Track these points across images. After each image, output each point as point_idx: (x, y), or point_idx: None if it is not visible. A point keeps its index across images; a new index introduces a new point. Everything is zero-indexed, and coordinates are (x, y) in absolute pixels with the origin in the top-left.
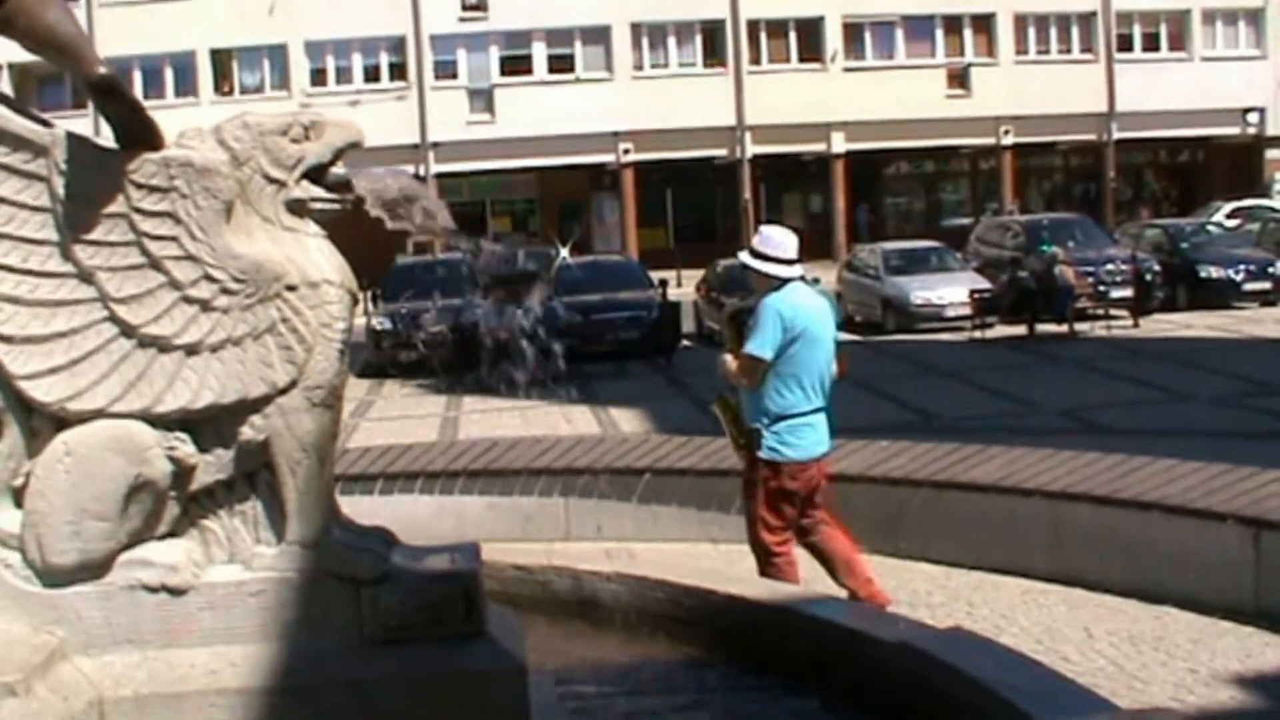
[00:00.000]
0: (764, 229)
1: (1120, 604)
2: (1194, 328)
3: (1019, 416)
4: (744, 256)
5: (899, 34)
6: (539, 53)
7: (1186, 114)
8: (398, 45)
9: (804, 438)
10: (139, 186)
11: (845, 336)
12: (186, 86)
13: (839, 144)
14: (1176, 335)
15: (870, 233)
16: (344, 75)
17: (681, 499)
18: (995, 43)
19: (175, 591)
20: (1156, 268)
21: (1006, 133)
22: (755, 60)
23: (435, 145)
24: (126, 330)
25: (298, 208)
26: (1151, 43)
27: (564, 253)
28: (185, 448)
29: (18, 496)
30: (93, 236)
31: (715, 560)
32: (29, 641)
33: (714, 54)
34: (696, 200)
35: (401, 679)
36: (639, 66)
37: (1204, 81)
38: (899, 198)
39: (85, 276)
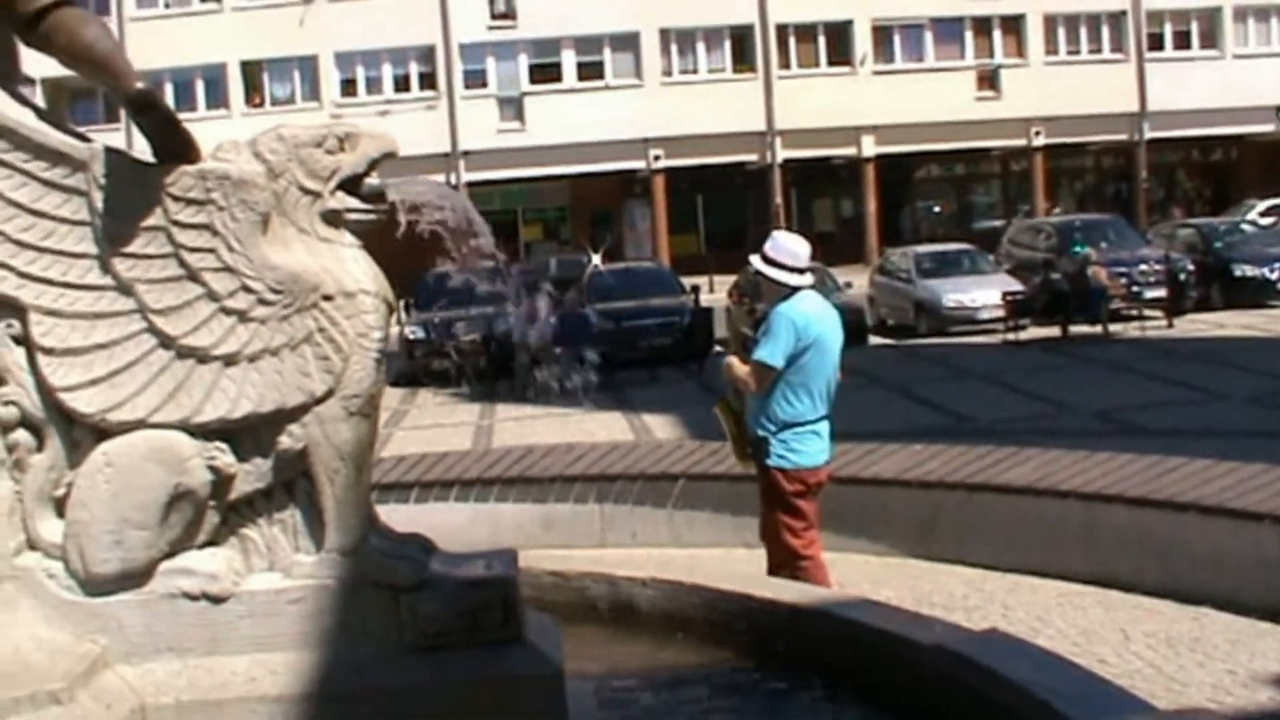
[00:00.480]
0: (777, 235)
1: (1157, 605)
2: (1228, 327)
3: (1053, 418)
4: (756, 262)
5: (928, 36)
6: (568, 60)
7: (1219, 112)
8: (427, 55)
9: (810, 445)
10: (176, 199)
11: (877, 340)
12: (218, 99)
13: (869, 148)
14: (1211, 335)
15: (914, 234)
16: (374, 85)
17: (715, 504)
18: (1025, 44)
19: (216, 599)
20: (1190, 267)
21: (1037, 134)
22: (784, 65)
23: (466, 154)
24: (165, 341)
25: (333, 218)
26: (1182, 41)
27: (596, 260)
28: (224, 457)
29: (60, 507)
30: (131, 249)
31: (750, 565)
32: (72, 650)
33: (743, 59)
34: (727, 206)
35: (440, 685)
36: (668, 72)
37: (1236, 79)
38: (929, 201)
39: (124, 289)
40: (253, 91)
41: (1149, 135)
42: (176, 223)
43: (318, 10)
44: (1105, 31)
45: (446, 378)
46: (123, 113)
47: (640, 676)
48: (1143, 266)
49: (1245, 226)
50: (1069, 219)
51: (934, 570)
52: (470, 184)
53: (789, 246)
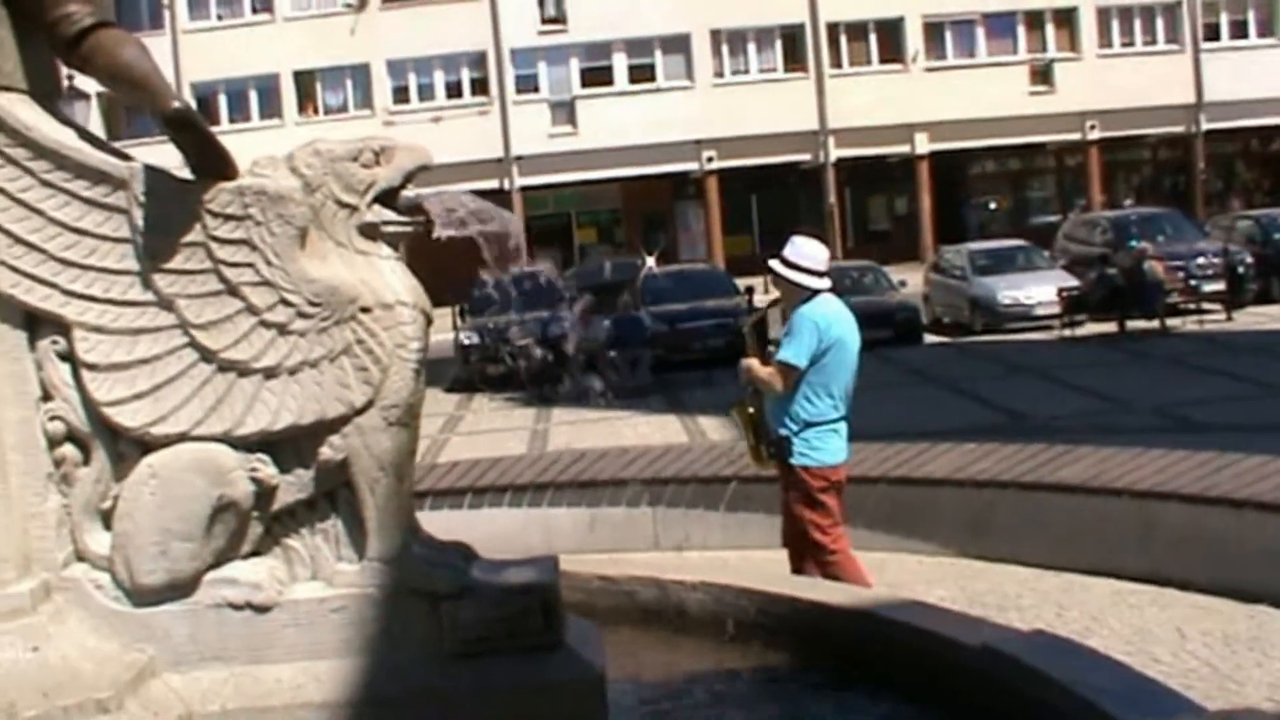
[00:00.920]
0: (796, 239)
1: (1213, 604)
2: None
3: (1110, 415)
4: (776, 266)
5: (980, 32)
6: (619, 63)
7: (1278, 101)
8: (478, 61)
9: (831, 443)
10: (215, 215)
11: (932, 339)
12: (271, 109)
13: (923, 145)
14: (1271, 328)
15: (980, 230)
16: (426, 92)
17: (769, 506)
18: (1078, 37)
19: (260, 609)
20: (1249, 260)
21: (1092, 128)
22: (836, 63)
23: (518, 159)
24: (206, 355)
25: (370, 231)
26: (1239, 30)
27: (650, 262)
28: (266, 469)
29: (107, 519)
30: (172, 265)
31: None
32: (120, 659)
33: (794, 58)
34: (781, 206)
35: (481, 691)
36: (719, 74)
37: None
38: (984, 197)
39: (165, 304)
40: (306, 101)
41: (1206, 126)
42: (215, 238)
43: (369, 19)
44: (1160, 22)
45: (501, 382)
46: None
47: (684, 680)
48: (1200, 260)
49: None
50: (1125, 213)
51: (987, 570)
52: (523, 189)
53: (808, 250)
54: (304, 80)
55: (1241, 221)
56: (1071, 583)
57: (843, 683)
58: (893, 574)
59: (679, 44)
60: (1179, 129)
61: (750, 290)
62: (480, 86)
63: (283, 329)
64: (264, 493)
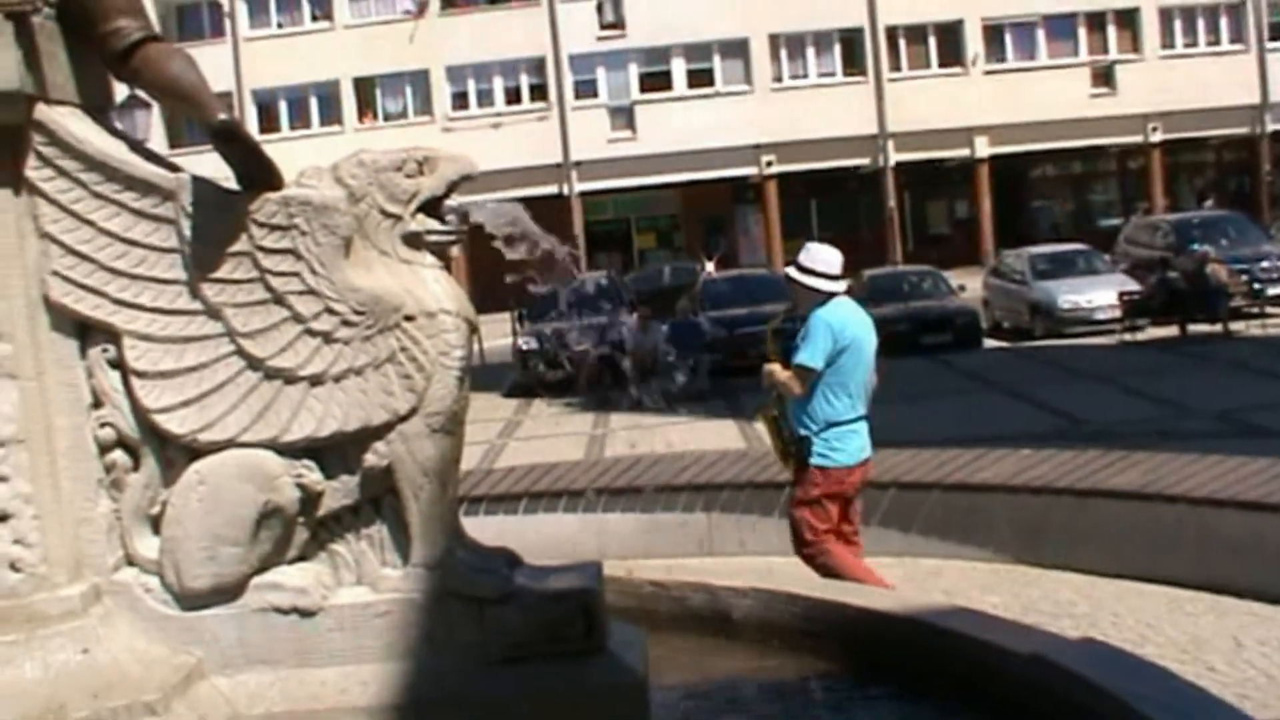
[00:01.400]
0: (811, 246)
1: (1271, 612)
2: None
3: (1172, 420)
4: (792, 272)
5: (1040, 34)
6: (678, 68)
7: None
8: (537, 66)
9: (850, 443)
10: (261, 225)
11: (991, 343)
12: (331, 115)
13: (982, 148)
14: None
15: (1054, 231)
16: (485, 98)
17: None
18: (1140, 38)
19: (306, 613)
20: None
21: (1154, 130)
22: (895, 67)
23: (577, 164)
24: (253, 363)
25: (414, 240)
26: None
27: (709, 267)
28: (312, 475)
29: (156, 524)
30: (218, 274)
31: None
32: (168, 662)
33: (853, 62)
34: (840, 210)
35: (524, 696)
36: (778, 78)
37: None
38: (1045, 200)
39: (213, 313)
40: (365, 107)
41: (1271, 127)
42: (261, 248)
43: (429, 25)
44: (1223, 22)
45: (560, 388)
46: None
47: (731, 686)
48: (1265, 263)
49: None
50: (1187, 216)
51: (1042, 576)
52: (582, 194)
53: (823, 255)
54: (364, 87)
55: None
56: (1126, 590)
57: (889, 689)
58: (947, 580)
59: (737, 48)
60: (1243, 130)
61: None
62: (539, 92)
63: (328, 337)
64: (310, 498)
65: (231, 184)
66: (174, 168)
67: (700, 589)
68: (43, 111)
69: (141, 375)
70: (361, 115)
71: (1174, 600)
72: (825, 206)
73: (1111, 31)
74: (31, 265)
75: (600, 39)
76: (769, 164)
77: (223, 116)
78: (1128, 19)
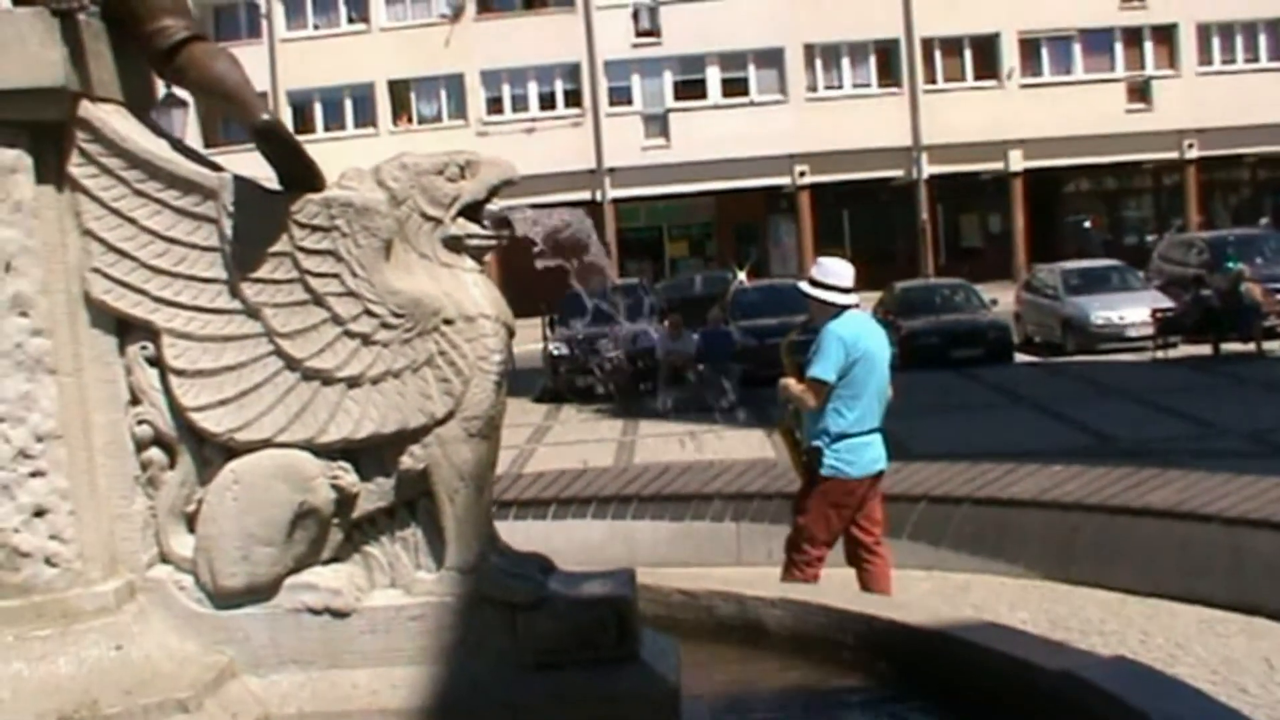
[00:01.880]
0: (822, 260)
1: None
2: None
3: (1203, 439)
4: (804, 286)
5: (1076, 48)
6: (713, 76)
7: None
8: (572, 72)
9: (862, 455)
10: (302, 226)
11: (1022, 358)
12: (366, 117)
13: (1017, 162)
14: None
15: (1106, 249)
16: (520, 103)
17: None
18: (1177, 54)
19: (339, 614)
20: None
21: (1190, 146)
22: (930, 79)
23: (611, 171)
24: (291, 364)
25: (454, 244)
26: None
27: (740, 276)
28: (348, 476)
29: (191, 522)
30: (259, 274)
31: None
32: (200, 660)
33: (888, 74)
34: (873, 222)
35: (555, 702)
36: (813, 88)
37: None
38: (1079, 215)
39: (252, 312)
40: (400, 110)
41: None
42: (302, 249)
43: (464, 29)
44: (1262, 39)
45: (590, 394)
46: None
47: (759, 696)
48: None
49: None
50: (1222, 234)
51: (1071, 593)
52: (615, 201)
53: (834, 269)
54: (399, 90)
55: None
56: (1157, 609)
57: (917, 702)
58: (976, 595)
59: (773, 58)
60: None
61: None
62: (573, 98)
63: (366, 339)
64: (345, 500)
65: (272, 184)
66: (216, 167)
67: (730, 598)
68: (87, 109)
69: (180, 373)
70: (396, 118)
71: (1205, 620)
72: (858, 217)
73: (1149, 47)
74: (73, 262)
75: (635, 46)
76: (802, 174)
77: (266, 116)
78: (1165, 34)
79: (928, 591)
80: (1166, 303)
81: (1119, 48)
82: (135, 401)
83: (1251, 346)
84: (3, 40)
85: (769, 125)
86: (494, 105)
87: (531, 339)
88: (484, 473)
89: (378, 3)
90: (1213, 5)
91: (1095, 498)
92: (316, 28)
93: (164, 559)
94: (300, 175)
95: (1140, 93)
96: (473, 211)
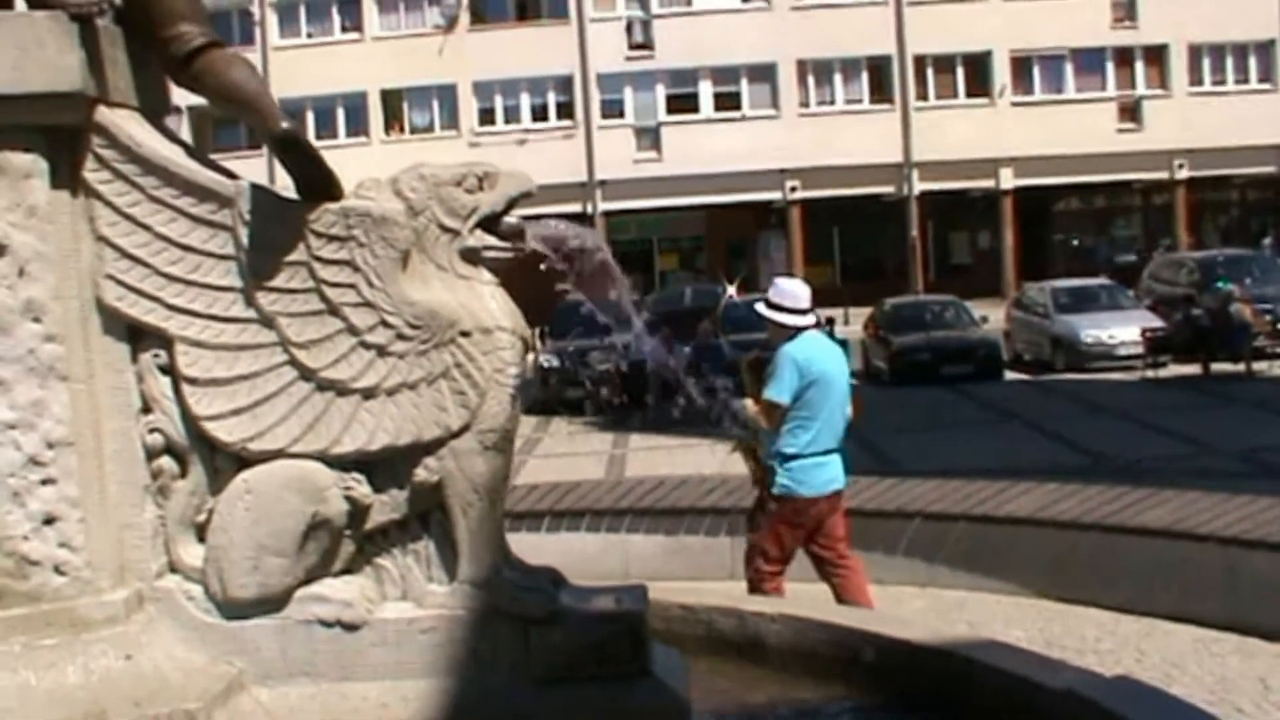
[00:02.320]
0: (779, 281)
1: None
2: None
3: (1193, 458)
4: (760, 307)
5: (1068, 67)
6: (705, 91)
7: None
8: (565, 84)
9: (816, 476)
10: (319, 235)
11: (1013, 375)
12: (358, 126)
13: (1007, 180)
14: None
15: (1110, 265)
16: (512, 115)
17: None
18: (1168, 74)
19: (350, 626)
20: None
21: (1180, 166)
22: (922, 96)
23: (602, 183)
24: (306, 374)
25: (472, 256)
26: None
27: (730, 290)
28: (361, 488)
29: (201, 532)
30: (274, 283)
31: (881, 602)
32: (209, 671)
33: (880, 90)
34: (864, 238)
35: (567, 716)
36: (805, 104)
37: None
38: (1069, 234)
39: (266, 322)
40: (392, 120)
41: None
42: (318, 258)
43: (458, 39)
44: (1252, 61)
45: (580, 406)
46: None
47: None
48: None
49: None
50: (1211, 254)
51: (1066, 612)
52: (606, 213)
53: (790, 290)
54: (391, 99)
55: None
56: (1152, 628)
57: (918, 719)
58: (971, 613)
59: (765, 73)
60: (1270, 169)
61: (830, 321)
62: (566, 110)
63: (382, 350)
64: (358, 512)
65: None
66: (231, 174)
67: (730, 613)
68: (103, 114)
69: (193, 382)
70: (389, 127)
71: (1200, 640)
72: (848, 233)
73: (1140, 67)
74: (86, 268)
75: (629, 59)
76: (793, 189)
77: (285, 125)
78: (1157, 55)
79: (922, 609)
80: (1156, 322)
81: (1110, 67)
82: (147, 409)
83: (1241, 366)
84: (21, 44)
85: (761, 140)
86: (486, 116)
87: None
88: (498, 485)
89: (371, 11)
90: (1204, 26)
91: (1090, 516)
92: (310, 36)
93: (173, 569)
94: (319, 184)
95: (1131, 112)
96: (490, 223)
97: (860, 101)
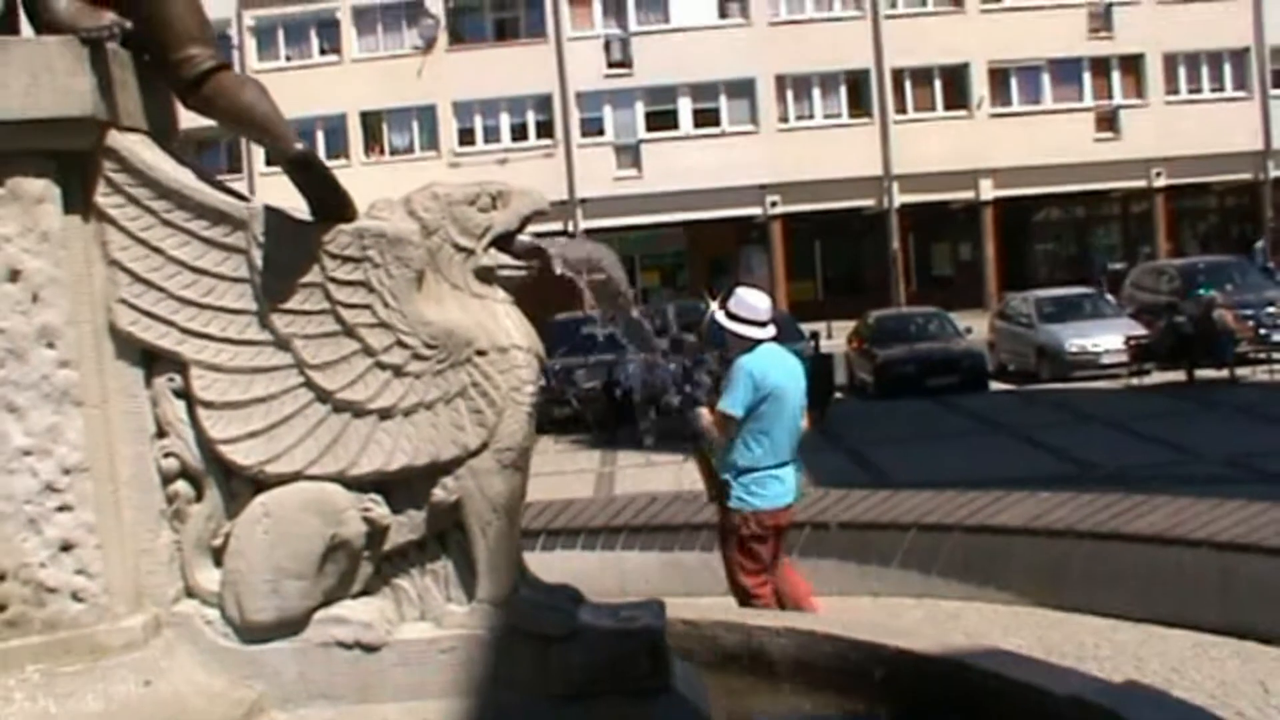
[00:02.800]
0: (739, 291)
1: None
2: None
3: (1180, 465)
4: (720, 318)
5: (1045, 78)
6: (684, 107)
7: None
8: (544, 103)
9: (769, 489)
10: (333, 256)
11: (998, 386)
12: (338, 148)
13: (987, 191)
14: None
15: (1104, 272)
16: (492, 134)
17: (840, 553)
18: (1144, 83)
19: (369, 648)
20: None
21: (1158, 175)
22: (901, 109)
23: (583, 201)
24: (322, 395)
25: (486, 275)
26: None
27: (714, 307)
28: (379, 509)
29: (217, 556)
30: (289, 305)
31: (876, 614)
32: (228, 695)
33: (859, 104)
34: (845, 251)
35: None
36: (784, 119)
37: None
38: (1049, 244)
39: (282, 344)
40: (372, 141)
41: (1275, 174)
42: (333, 279)
43: (436, 60)
44: (1228, 69)
45: (568, 425)
46: (245, 161)
47: None
48: (1270, 308)
49: None
50: (1193, 261)
51: (1063, 620)
52: (588, 231)
53: (749, 301)
54: (371, 121)
55: None
56: (1149, 634)
57: None
58: (968, 623)
59: (744, 88)
60: (1246, 176)
61: (815, 335)
62: (545, 129)
63: (399, 370)
64: (376, 533)
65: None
66: (243, 197)
67: (735, 628)
68: (114, 138)
69: (208, 405)
70: (368, 149)
71: (1198, 645)
72: (829, 247)
73: (1116, 77)
74: (99, 293)
75: (607, 77)
76: (774, 204)
77: (299, 146)
78: (1133, 64)
79: (919, 620)
80: (1139, 330)
81: (1087, 77)
82: (162, 434)
83: (1224, 373)
84: (32, 70)
85: (740, 155)
86: (466, 136)
87: None
88: (516, 504)
89: (350, 34)
90: (1179, 35)
91: (1086, 524)
92: (289, 58)
93: (190, 593)
94: (333, 206)
95: (1109, 122)
96: (504, 242)
97: (839, 116)
